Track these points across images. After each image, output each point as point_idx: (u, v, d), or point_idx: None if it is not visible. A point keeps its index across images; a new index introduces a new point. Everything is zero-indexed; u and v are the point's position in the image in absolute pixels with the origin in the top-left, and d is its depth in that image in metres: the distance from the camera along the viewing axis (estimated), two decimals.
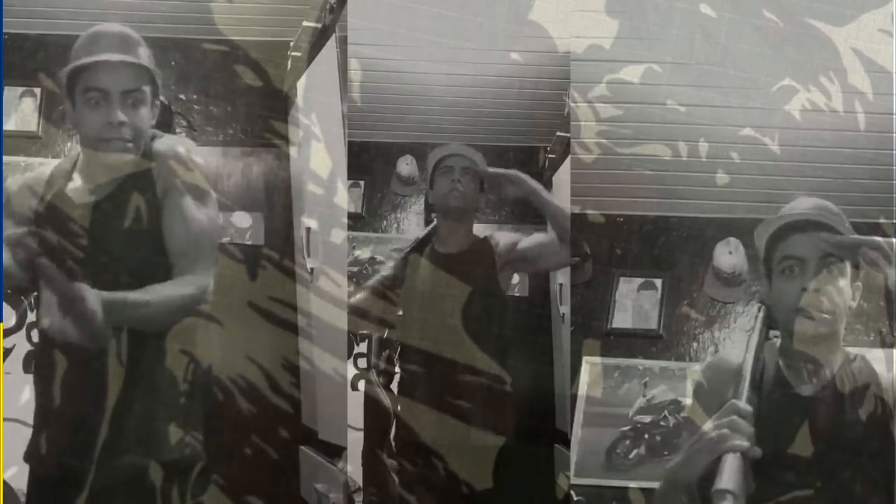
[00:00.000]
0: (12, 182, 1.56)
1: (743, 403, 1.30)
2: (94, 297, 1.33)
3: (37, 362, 1.56)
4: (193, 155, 1.54)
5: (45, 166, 1.58)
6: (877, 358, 1.45)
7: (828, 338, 1.39)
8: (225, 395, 1.56)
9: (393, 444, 1.78)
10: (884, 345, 1.85)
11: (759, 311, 1.45)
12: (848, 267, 1.41)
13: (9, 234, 1.39)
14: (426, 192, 1.95)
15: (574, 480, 1.85)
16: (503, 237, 1.95)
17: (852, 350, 1.45)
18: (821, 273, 1.39)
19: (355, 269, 1.98)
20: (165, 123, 1.94)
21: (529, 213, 1.97)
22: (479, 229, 1.93)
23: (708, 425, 1.30)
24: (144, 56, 1.54)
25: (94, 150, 1.51)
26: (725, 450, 1.26)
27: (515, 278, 1.94)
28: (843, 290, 1.40)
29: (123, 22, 1.65)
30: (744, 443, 1.26)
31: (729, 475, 1.24)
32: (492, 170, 1.91)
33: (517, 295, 1.97)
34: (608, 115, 1.88)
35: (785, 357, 1.42)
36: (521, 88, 1.93)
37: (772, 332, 1.45)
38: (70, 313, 1.33)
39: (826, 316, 1.38)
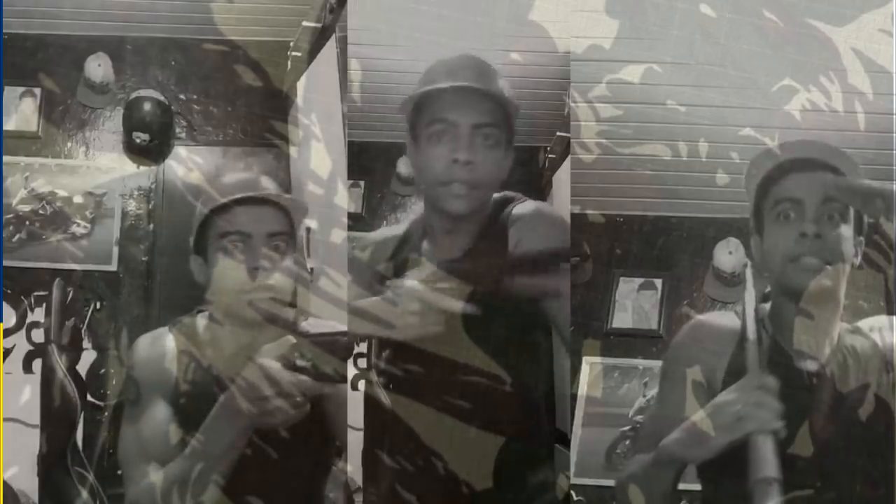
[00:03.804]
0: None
1: (767, 374, 1.17)
2: None
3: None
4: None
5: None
6: (877, 327, 1.31)
7: (829, 296, 1.24)
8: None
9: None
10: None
11: (745, 266, 1.32)
12: (852, 214, 1.26)
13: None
14: (407, 155, 1.64)
15: (574, 480, 1.85)
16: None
17: (846, 325, 1.31)
18: (822, 218, 1.24)
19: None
20: (167, 124, 1.95)
21: None
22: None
23: (726, 397, 1.17)
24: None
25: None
26: (753, 430, 1.13)
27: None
28: (846, 239, 1.25)
29: (124, 22, 1.65)
30: (775, 422, 1.14)
31: (768, 460, 1.11)
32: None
33: None
34: (608, 115, 1.88)
35: (776, 321, 1.29)
36: (521, 88, 1.93)
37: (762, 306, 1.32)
38: None
39: (828, 266, 1.23)
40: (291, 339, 1.44)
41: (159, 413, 1.49)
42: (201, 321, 1.56)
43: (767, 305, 1.33)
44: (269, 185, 1.56)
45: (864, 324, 1.31)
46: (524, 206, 1.63)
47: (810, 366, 1.30)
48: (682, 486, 1.33)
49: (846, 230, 1.26)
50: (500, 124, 1.60)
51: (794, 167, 1.29)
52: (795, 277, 1.25)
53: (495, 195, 1.63)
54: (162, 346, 1.54)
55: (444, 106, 1.57)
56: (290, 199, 1.59)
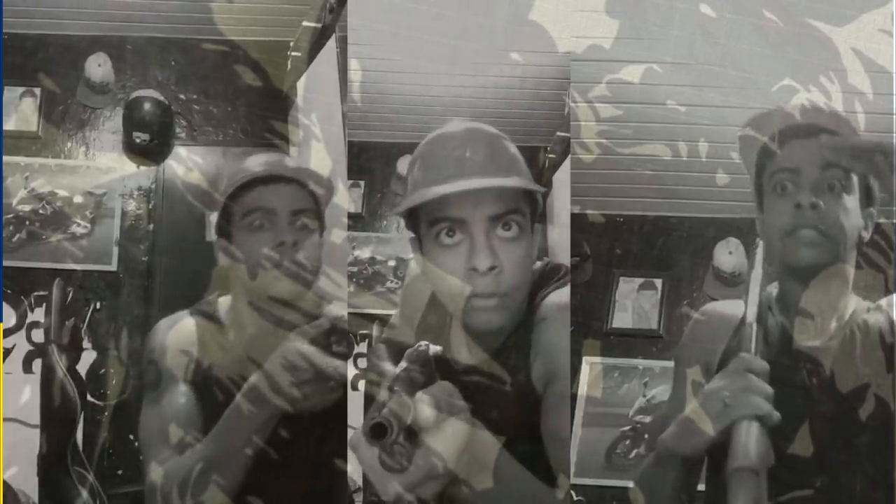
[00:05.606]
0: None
1: (755, 357, 1.10)
2: None
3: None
4: None
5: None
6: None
7: (831, 272, 1.16)
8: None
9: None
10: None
11: (755, 246, 1.23)
12: (855, 182, 1.16)
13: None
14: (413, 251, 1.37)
15: (574, 480, 1.85)
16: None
17: (865, 303, 1.22)
18: (821, 187, 1.14)
19: (355, 269, 1.98)
20: (167, 124, 1.95)
21: None
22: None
23: (715, 385, 1.09)
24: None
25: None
26: (740, 416, 1.06)
27: None
28: (849, 210, 1.15)
29: (124, 22, 1.65)
30: (763, 406, 1.06)
31: (747, 448, 1.04)
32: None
33: None
34: (608, 115, 1.88)
35: (783, 305, 1.22)
36: (521, 88, 1.93)
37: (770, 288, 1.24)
38: None
39: (825, 239, 1.14)
40: (325, 323, 1.43)
41: (180, 397, 1.49)
42: (223, 304, 1.56)
43: (774, 291, 1.28)
44: (291, 164, 1.56)
45: (885, 301, 1.24)
46: (552, 298, 1.34)
47: (812, 342, 1.24)
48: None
49: (850, 201, 1.17)
50: (520, 207, 1.27)
51: (791, 134, 1.21)
52: (793, 253, 1.17)
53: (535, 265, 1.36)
54: (182, 329, 1.53)
55: (449, 203, 1.26)
56: (309, 172, 1.56)
